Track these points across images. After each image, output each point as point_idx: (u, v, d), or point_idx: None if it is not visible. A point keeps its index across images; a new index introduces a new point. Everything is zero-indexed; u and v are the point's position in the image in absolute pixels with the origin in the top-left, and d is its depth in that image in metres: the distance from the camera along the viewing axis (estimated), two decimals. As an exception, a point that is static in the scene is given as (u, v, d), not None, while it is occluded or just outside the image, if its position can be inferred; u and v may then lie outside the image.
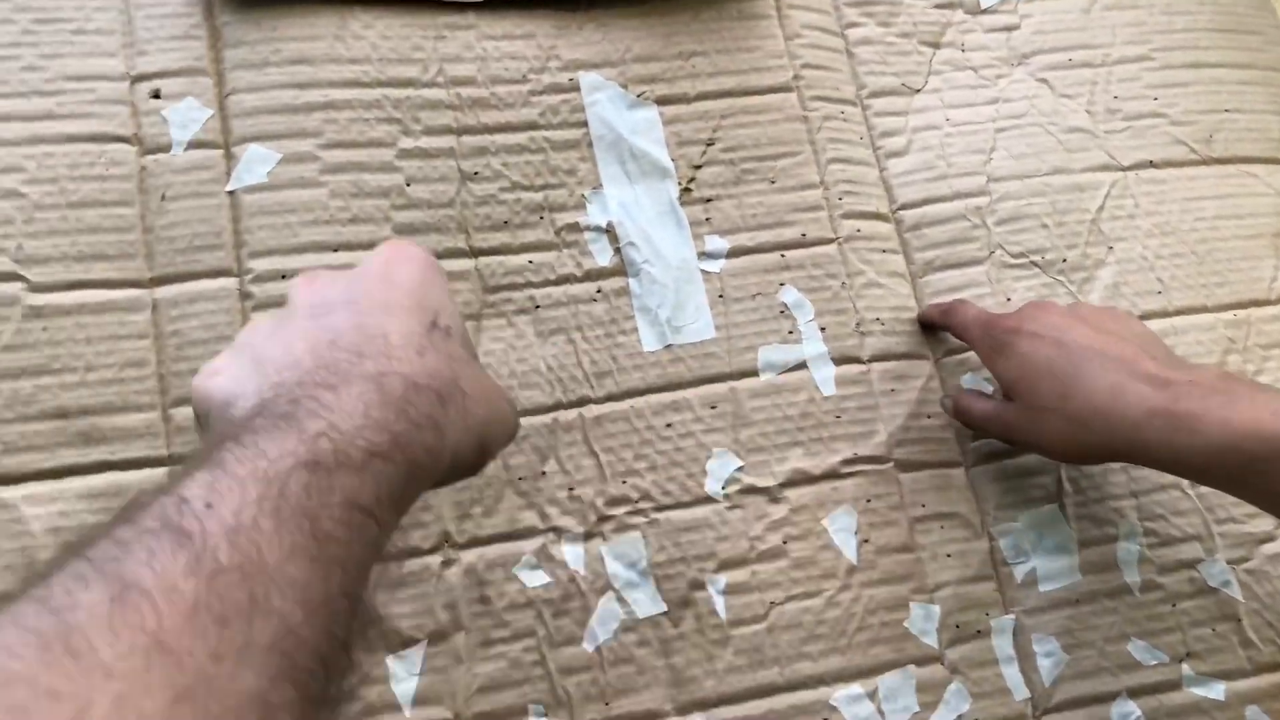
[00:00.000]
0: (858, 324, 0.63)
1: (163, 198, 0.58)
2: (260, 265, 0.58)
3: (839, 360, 0.62)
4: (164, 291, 0.57)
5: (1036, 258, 0.66)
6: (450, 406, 0.35)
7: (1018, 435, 0.54)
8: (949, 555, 0.59)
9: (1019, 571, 0.60)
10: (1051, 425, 0.51)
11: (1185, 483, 0.61)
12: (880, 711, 0.56)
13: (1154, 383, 0.47)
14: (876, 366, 0.62)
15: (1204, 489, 0.60)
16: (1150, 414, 0.47)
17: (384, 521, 0.31)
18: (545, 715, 0.55)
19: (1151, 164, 0.69)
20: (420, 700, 0.55)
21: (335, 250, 0.58)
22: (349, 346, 0.34)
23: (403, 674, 0.55)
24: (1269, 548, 0.60)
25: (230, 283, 0.58)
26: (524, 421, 0.58)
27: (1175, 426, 0.46)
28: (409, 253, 0.41)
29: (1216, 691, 0.58)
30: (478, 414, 0.37)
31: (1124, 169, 0.69)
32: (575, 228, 0.62)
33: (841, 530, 0.59)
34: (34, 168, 0.57)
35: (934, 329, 0.62)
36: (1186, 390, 0.45)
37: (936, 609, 0.58)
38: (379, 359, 0.34)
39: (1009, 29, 0.72)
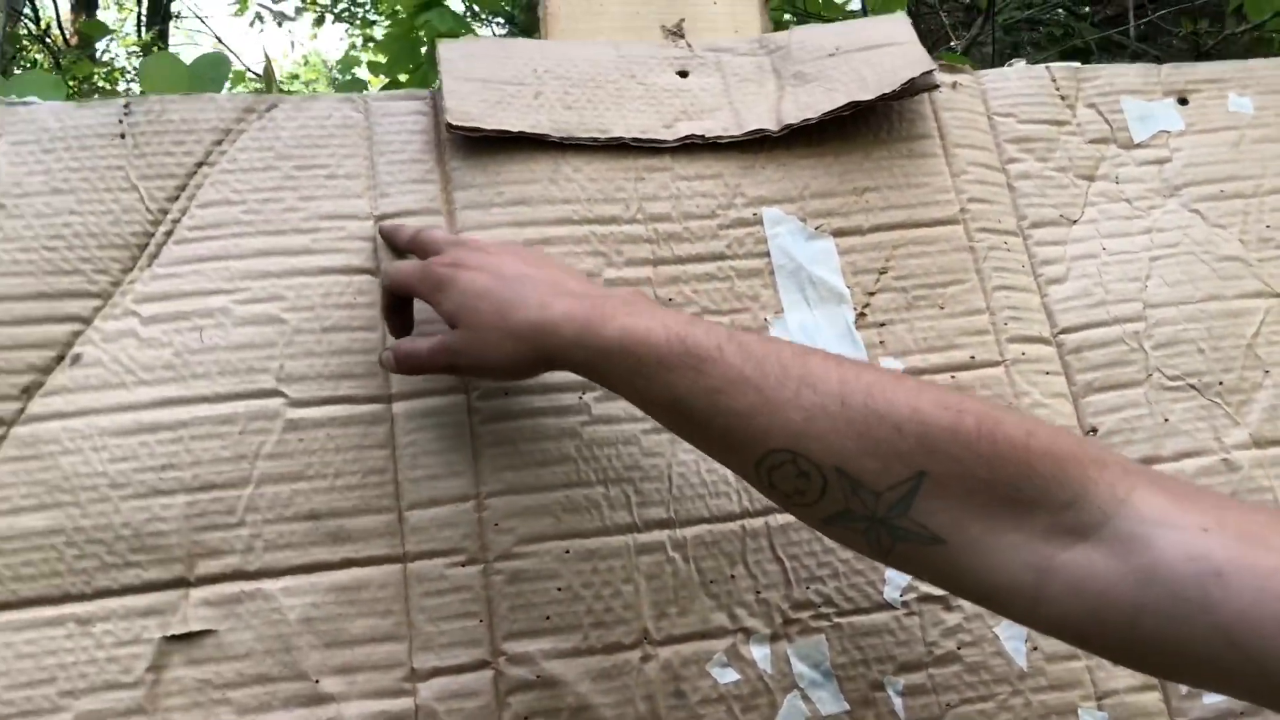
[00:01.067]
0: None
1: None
2: (486, 380, 0.65)
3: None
4: (401, 406, 0.65)
5: (1194, 380, 0.70)
6: None
7: (463, 359, 0.58)
8: (1116, 664, 0.63)
9: (1182, 689, 0.62)
10: (492, 341, 0.56)
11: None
12: (1054, 815, 0.60)
13: (576, 296, 0.54)
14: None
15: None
16: (569, 318, 0.53)
17: None
18: (736, 805, 0.60)
19: (1305, 290, 0.72)
20: (623, 788, 0.60)
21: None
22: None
23: (607, 760, 0.60)
24: None
25: (459, 399, 0.65)
26: (715, 529, 0.64)
27: (586, 329, 0.52)
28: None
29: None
30: None
31: (1278, 295, 0.73)
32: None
33: (1012, 638, 0.63)
34: (293, 297, 0.66)
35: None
36: (600, 301, 0.53)
37: (1105, 715, 0.62)
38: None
39: (1160, 162, 0.77)
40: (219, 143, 0.68)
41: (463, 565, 0.62)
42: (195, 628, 0.59)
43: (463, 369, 0.61)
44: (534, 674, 0.61)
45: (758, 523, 0.65)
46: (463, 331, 0.58)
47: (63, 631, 0.59)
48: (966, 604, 0.63)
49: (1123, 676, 0.62)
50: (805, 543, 0.64)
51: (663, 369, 0.50)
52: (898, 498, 0.45)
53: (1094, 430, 0.68)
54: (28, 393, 0.61)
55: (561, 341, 0.54)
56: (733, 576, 0.64)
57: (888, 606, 0.63)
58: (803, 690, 0.62)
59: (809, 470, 0.46)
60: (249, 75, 4.15)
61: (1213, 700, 0.62)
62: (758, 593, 0.64)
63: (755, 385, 0.48)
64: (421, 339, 0.61)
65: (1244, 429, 0.68)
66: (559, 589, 0.62)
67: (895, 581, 0.63)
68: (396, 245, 0.66)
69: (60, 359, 0.62)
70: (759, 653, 0.63)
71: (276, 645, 0.60)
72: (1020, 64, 0.79)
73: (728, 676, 0.62)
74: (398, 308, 0.64)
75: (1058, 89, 0.78)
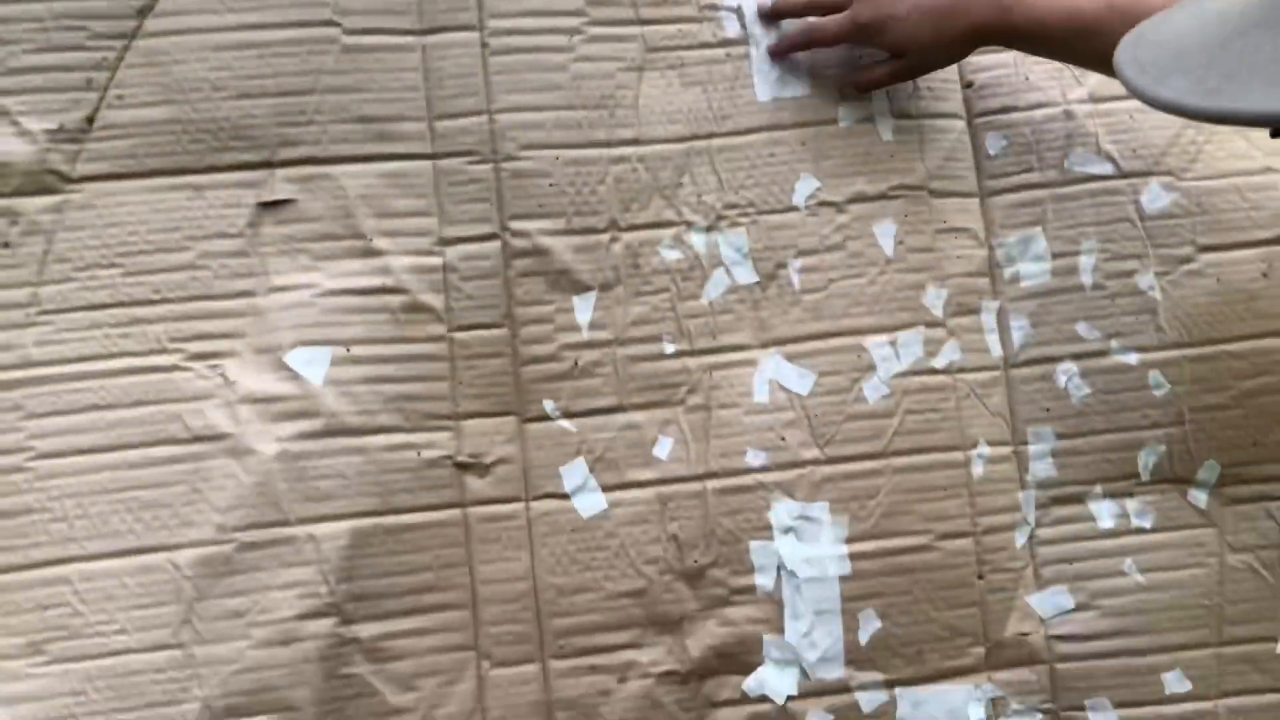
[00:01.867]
0: (914, 88, 0.87)
1: None
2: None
3: (897, 115, 0.87)
4: (431, 39, 0.84)
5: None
6: None
7: (916, 75, 0.85)
8: (959, 256, 0.86)
9: (1007, 272, 0.86)
10: (940, 59, 0.83)
11: (1135, 215, 0.85)
12: (897, 355, 0.85)
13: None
14: (925, 122, 0.87)
15: (1150, 223, 0.85)
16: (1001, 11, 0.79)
17: None
18: (673, 343, 0.84)
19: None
20: (593, 326, 0.84)
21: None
22: None
23: (582, 308, 0.84)
24: (1187, 267, 0.86)
25: (474, 35, 0.85)
26: (669, 148, 0.85)
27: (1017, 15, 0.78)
28: None
29: (1131, 359, 0.85)
30: None
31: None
32: (714, 6, 0.87)
33: (886, 235, 0.86)
34: (345, -54, 0.84)
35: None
36: None
37: (945, 291, 0.85)
38: None
39: None
40: None
41: (478, 163, 0.83)
42: (280, 197, 0.81)
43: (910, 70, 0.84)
44: (530, 245, 0.83)
45: (701, 144, 0.86)
46: (911, 58, 0.82)
47: (183, 195, 0.80)
48: (854, 209, 0.85)
49: (962, 265, 0.85)
50: (737, 161, 0.85)
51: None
52: None
53: (970, 84, 0.88)
54: (142, 13, 0.80)
55: (992, 33, 0.79)
56: (680, 183, 0.85)
57: (795, 209, 0.85)
58: (727, 267, 0.85)
59: None
60: None
61: (1026, 284, 0.85)
62: (699, 197, 0.85)
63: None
64: (874, 67, 0.85)
65: (1084, 88, 0.89)
66: (550, 184, 0.84)
67: (802, 191, 0.85)
68: (791, 10, 0.85)
69: (167, -13, 0.80)
70: (697, 239, 0.85)
71: (340, 213, 0.82)
72: None
73: (672, 255, 0.85)
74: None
75: None
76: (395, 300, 0.80)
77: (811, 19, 0.83)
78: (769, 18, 0.85)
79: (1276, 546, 0.82)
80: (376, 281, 0.80)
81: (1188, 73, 0.49)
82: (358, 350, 0.79)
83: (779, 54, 0.84)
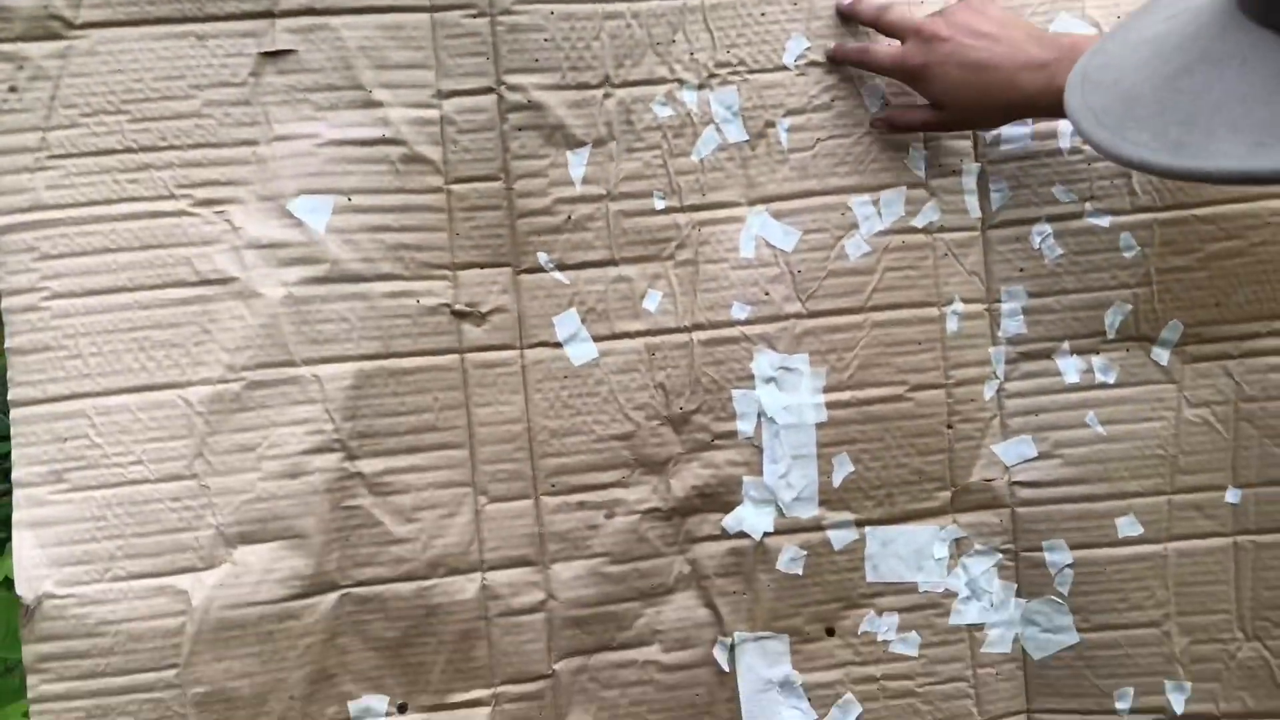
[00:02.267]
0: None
1: None
2: None
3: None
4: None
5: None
6: None
7: (950, 129, 0.85)
8: (942, 119, 0.88)
9: (988, 135, 0.89)
10: (974, 120, 0.84)
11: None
12: (879, 213, 0.88)
13: (1039, 66, 0.76)
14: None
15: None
16: (1043, 92, 0.76)
17: None
18: (664, 199, 0.87)
19: None
20: (586, 180, 0.87)
21: None
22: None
23: (576, 163, 0.87)
24: (1163, 132, 0.88)
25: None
26: (662, 4, 0.86)
27: (1055, 94, 0.65)
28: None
29: (1104, 221, 0.88)
30: None
31: None
32: None
33: (872, 96, 0.88)
34: None
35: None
36: (1058, 66, 0.74)
37: (927, 153, 0.88)
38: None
39: None
40: None
41: (475, 17, 0.85)
42: (281, 47, 0.83)
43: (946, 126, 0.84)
44: (526, 99, 0.85)
45: (695, 1, 0.87)
46: (948, 113, 0.81)
47: (186, 44, 0.82)
48: (843, 68, 0.87)
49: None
50: (730, 19, 0.87)
51: None
52: None
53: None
54: None
55: (1037, 108, 0.77)
56: (674, 40, 0.87)
57: (785, 68, 0.87)
58: (718, 125, 0.87)
59: None
60: None
61: (1006, 147, 0.88)
62: (691, 54, 0.87)
63: None
64: (913, 110, 0.84)
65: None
66: (545, 39, 0.85)
67: (793, 50, 0.87)
68: (858, 19, 0.85)
69: None
70: (689, 97, 0.87)
71: (340, 64, 0.84)
72: None
73: (665, 112, 0.87)
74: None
75: None
76: (395, 151, 0.83)
77: (871, 45, 0.85)
78: (840, 16, 0.86)
79: (1231, 402, 0.86)
80: (376, 133, 0.83)
81: (1143, 124, 0.47)
82: (359, 200, 0.82)
83: (835, 59, 0.87)
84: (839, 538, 0.87)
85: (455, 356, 0.84)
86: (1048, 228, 0.87)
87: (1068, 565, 0.87)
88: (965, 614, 0.88)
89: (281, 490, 0.80)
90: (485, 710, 0.85)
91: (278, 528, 0.80)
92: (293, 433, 0.80)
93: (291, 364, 0.81)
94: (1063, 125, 0.87)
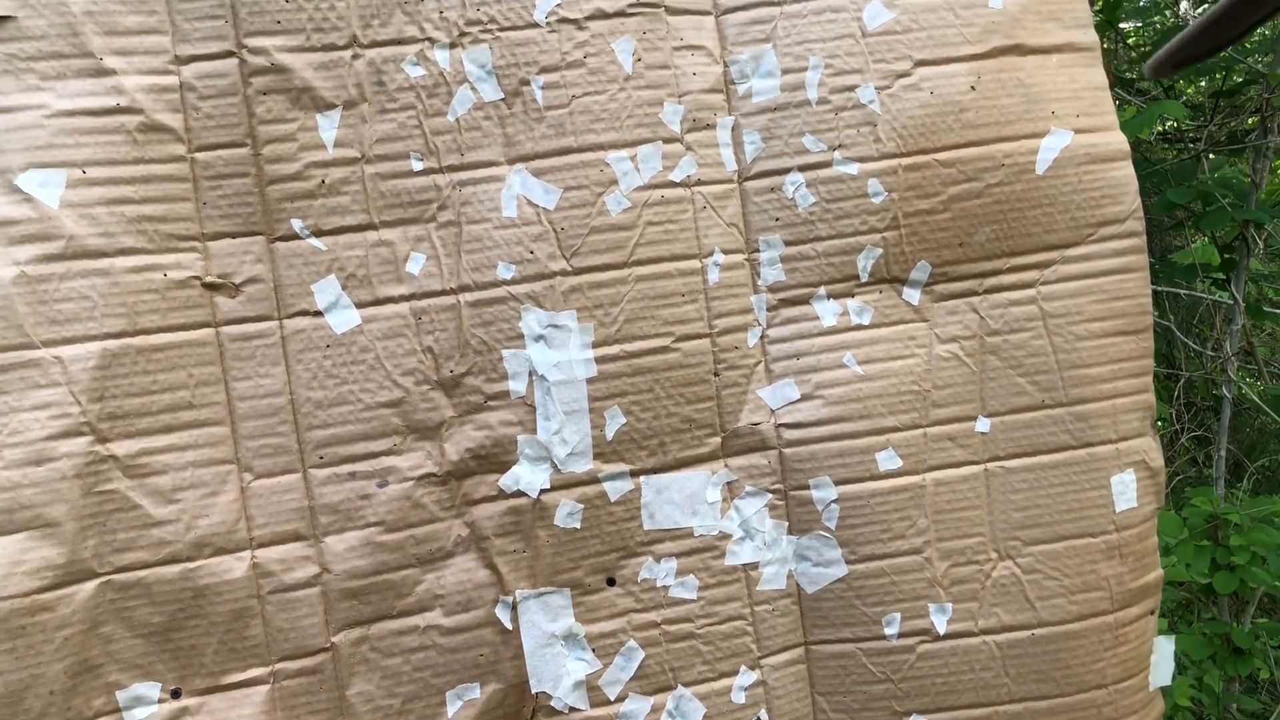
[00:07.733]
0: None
1: None
2: None
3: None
4: None
5: None
6: None
7: None
8: (695, 74, 0.90)
9: (740, 88, 0.91)
10: None
11: (857, 32, 0.91)
12: (637, 169, 0.89)
13: None
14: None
15: (871, 39, 0.90)
16: None
17: None
18: (421, 160, 0.86)
19: None
20: (339, 144, 0.85)
21: None
22: None
23: (326, 126, 0.85)
24: (904, 81, 0.92)
25: None
26: (408, -41, 0.85)
27: None
28: None
29: (852, 169, 0.91)
30: None
31: None
32: None
33: (624, 52, 0.89)
34: None
35: None
36: None
37: (682, 107, 0.90)
38: None
39: None
40: None
41: (209, -22, 0.82)
42: (-3, 13, 0.78)
43: None
44: (269, 62, 0.83)
45: (442, -40, 0.86)
46: None
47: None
48: (593, 24, 0.88)
49: (697, 82, 0.89)
50: (478, -24, 0.86)
51: None
52: None
53: (705, -97, 0.90)
54: None
55: None
56: (422, 0, 0.86)
57: (536, 25, 0.87)
58: (471, 84, 0.87)
59: None
60: None
61: (758, 100, 0.90)
62: (441, 13, 0.86)
63: None
64: None
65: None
66: (286, 0, 0.83)
67: (542, 6, 0.87)
68: None
69: None
70: (440, 56, 0.86)
71: (66, 31, 0.80)
72: None
73: (417, 72, 0.86)
74: None
75: None
76: (131, 121, 0.80)
77: None
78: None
79: (977, 336, 0.91)
80: (110, 102, 0.80)
81: None
82: (94, 172, 0.79)
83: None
84: (615, 489, 0.88)
85: (209, 330, 0.82)
86: (800, 177, 0.90)
87: (834, 501, 0.90)
88: (740, 554, 0.90)
89: (26, 479, 0.77)
90: (264, 688, 0.83)
91: (25, 518, 0.77)
92: (35, 418, 0.77)
93: (30, 346, 0.77)
94: (810, 76, 0.89)
